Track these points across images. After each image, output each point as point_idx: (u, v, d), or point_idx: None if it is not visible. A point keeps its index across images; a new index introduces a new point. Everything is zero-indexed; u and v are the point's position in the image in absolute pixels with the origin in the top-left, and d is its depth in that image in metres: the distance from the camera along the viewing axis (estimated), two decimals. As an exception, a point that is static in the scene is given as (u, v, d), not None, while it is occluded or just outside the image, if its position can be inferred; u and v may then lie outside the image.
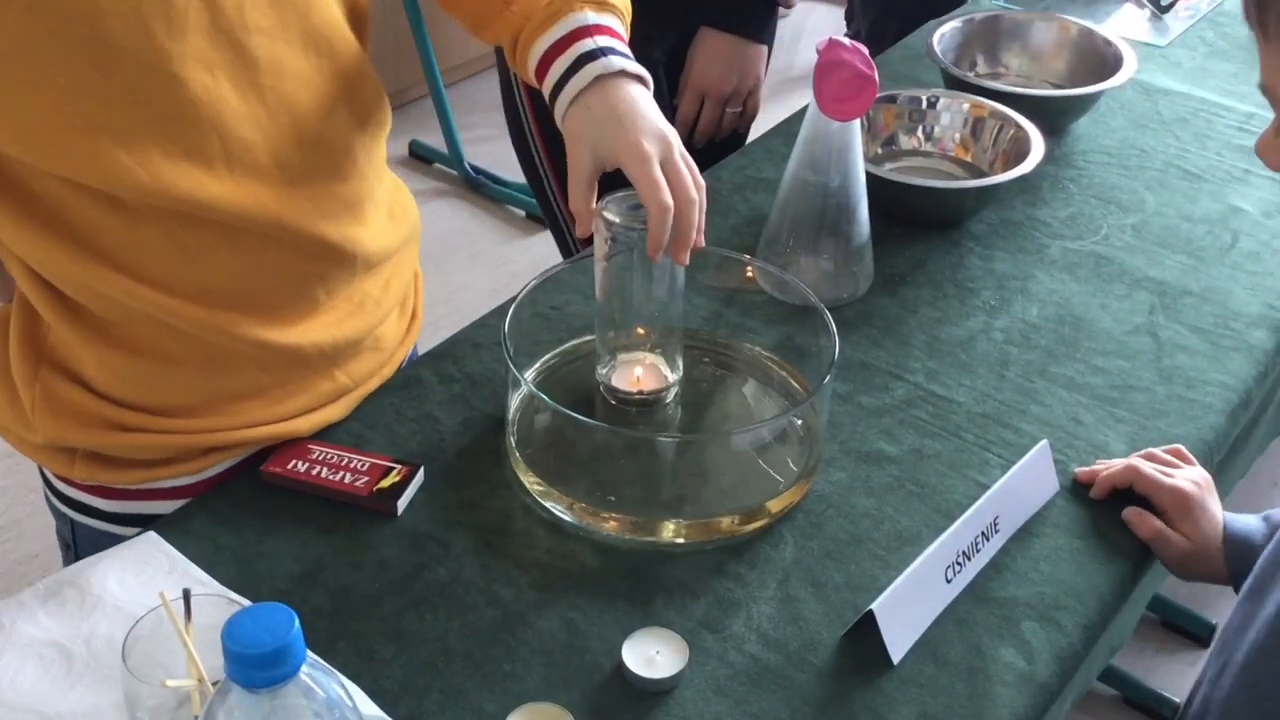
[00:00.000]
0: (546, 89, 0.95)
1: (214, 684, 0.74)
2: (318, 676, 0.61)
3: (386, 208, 1.04)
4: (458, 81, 3.39)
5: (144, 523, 0.98)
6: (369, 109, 1.00)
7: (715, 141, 1.60)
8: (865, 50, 1.13)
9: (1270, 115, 0.84)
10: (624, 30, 0.97)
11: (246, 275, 0.93)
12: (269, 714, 0.61)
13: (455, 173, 3.12)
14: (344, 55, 0.95)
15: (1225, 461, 1.23)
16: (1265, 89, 0.82)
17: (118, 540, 0.95)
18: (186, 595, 0.78)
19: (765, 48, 1.56)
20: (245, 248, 0.92)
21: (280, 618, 0.58)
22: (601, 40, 0.93)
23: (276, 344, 0.96)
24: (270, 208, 0.91)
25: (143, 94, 0.83)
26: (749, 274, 1.18)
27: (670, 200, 0.91)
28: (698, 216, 0.94)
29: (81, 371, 0.95)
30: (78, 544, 1.05)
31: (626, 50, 0.95)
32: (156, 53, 0.82)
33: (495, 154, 2.96)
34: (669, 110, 1.60)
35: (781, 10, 1.67)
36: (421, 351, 1.16)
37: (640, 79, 0.94)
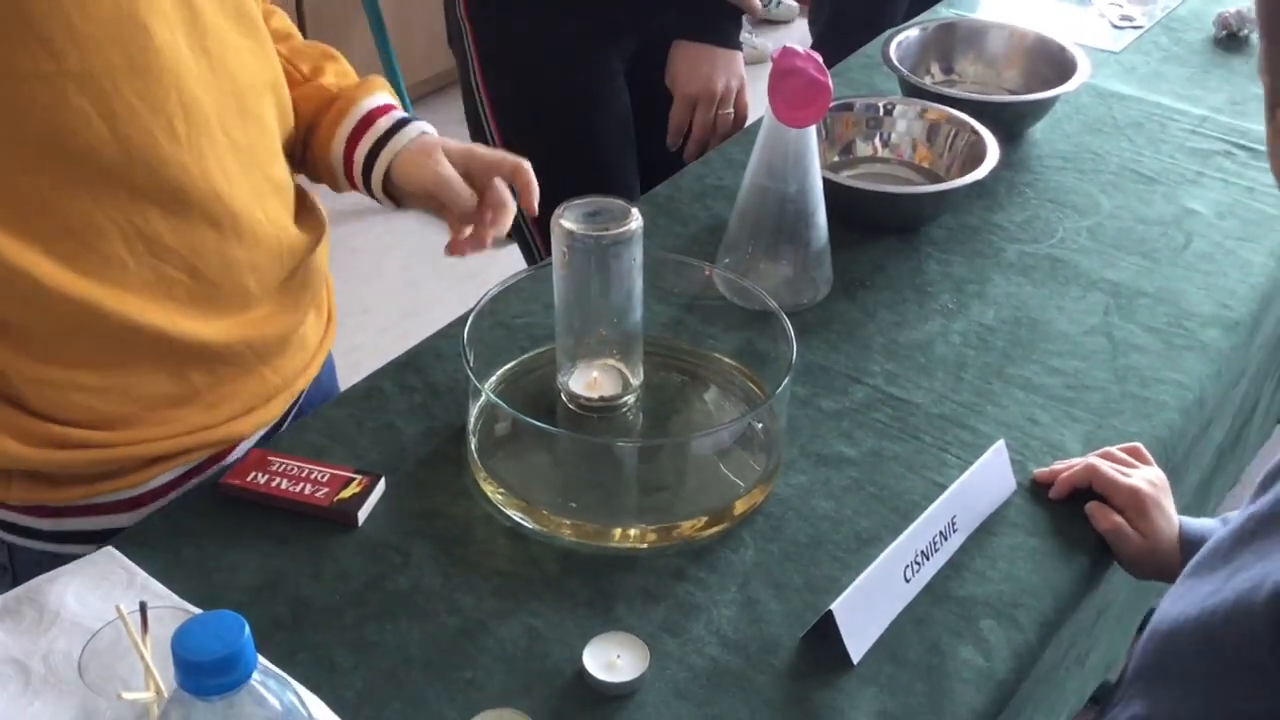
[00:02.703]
0: (360, 156, 1.06)
1: (171, 696, 0.74)
2: (270, 684, 0.61)
3: (303, 209, 1.06)
4: (423, 96, 3.40)
5: (86, 539, 0.97)
6: (285, 106, 1.02)
7: (706, 150, 1.61)
8: (819, 57, 1.14)
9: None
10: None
11: (189, 256, 0.92)
12: (223, 723, 0.61)
13: (423, 187, 3.12)
14: (267, 44, 0.98)
15: (1218, 467, 1.25)
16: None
17: (60, 560, 0.94)
18: (143, 608, 0.77)
19: (739, 52, 1.57)
20: (187, 228, 0.91)
21: (230, 624, 0.58)
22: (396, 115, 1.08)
23: (206, 340, 0.95)
24: (215, 178, 0.91)
25: (117, 40, 0.83)
26: (709, 280, 1.19)
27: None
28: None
29: (17, 392, 0.92)
30: (16, 568, 1.02)
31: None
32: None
33: (462, 167, 2.96)
34: (636, 119, 1.61)
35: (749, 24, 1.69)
36: (386, 361, 1.16)
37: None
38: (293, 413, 1.11)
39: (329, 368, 1.18)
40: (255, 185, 0.96)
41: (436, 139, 1.07)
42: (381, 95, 1.08)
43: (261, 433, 1.06)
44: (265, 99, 0.98)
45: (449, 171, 1.04)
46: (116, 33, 0.83)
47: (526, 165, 1.06)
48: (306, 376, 1.09)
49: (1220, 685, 0.76)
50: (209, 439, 1.00)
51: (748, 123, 1.61)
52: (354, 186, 1.09)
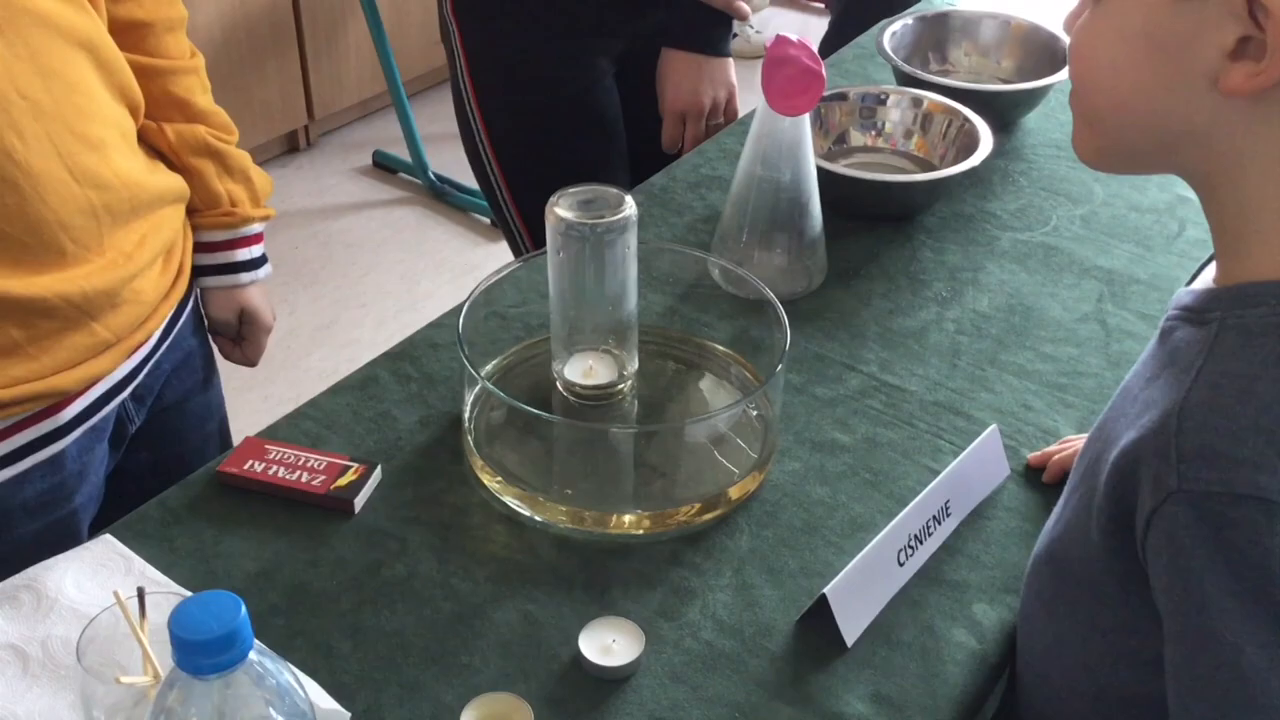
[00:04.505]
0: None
1: (169, 680, 0.74)
2: (267, 664, 0.62)
3: (143, 162, 1.07)
4: (420, 91, 3.40)
5: None
6: (109, 62, 1.02)
7: None
8: (812, 46, 1.15)
9: None
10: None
11: None
12: (219, 704, 0.61)
13: (419, 181, 3.12)
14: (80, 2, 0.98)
15: None
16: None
17: None
18: (141, 593, 0.78)
19: (729, 59, 1.57)
20: None
21: (227, 604, 0.58)
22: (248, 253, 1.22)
23: (18, 295, 0.95)
24: (7, 138, 0.91)
25: None
26: (704, 269, 1.19)
27: None
28: None
29: None
30: None
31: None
32: None
33: (459, 162, 2.96)
34: (629, 119, 1.61)
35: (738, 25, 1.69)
36: (380, 352, 1.16)
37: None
38: (145, 367, 1.11)
39: (186, 323, 1.18)
40: (62, 145, 0.95)
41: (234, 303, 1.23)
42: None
43: (101, 387, 1.05)
44: (76, 57, 0.97)
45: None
46: None
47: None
48: (145, 330, 1.08)
49: (1073, 606, 0.79)
50: (33, 390, 0.99)
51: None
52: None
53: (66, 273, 0.98)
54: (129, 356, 1.07)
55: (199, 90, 1.16)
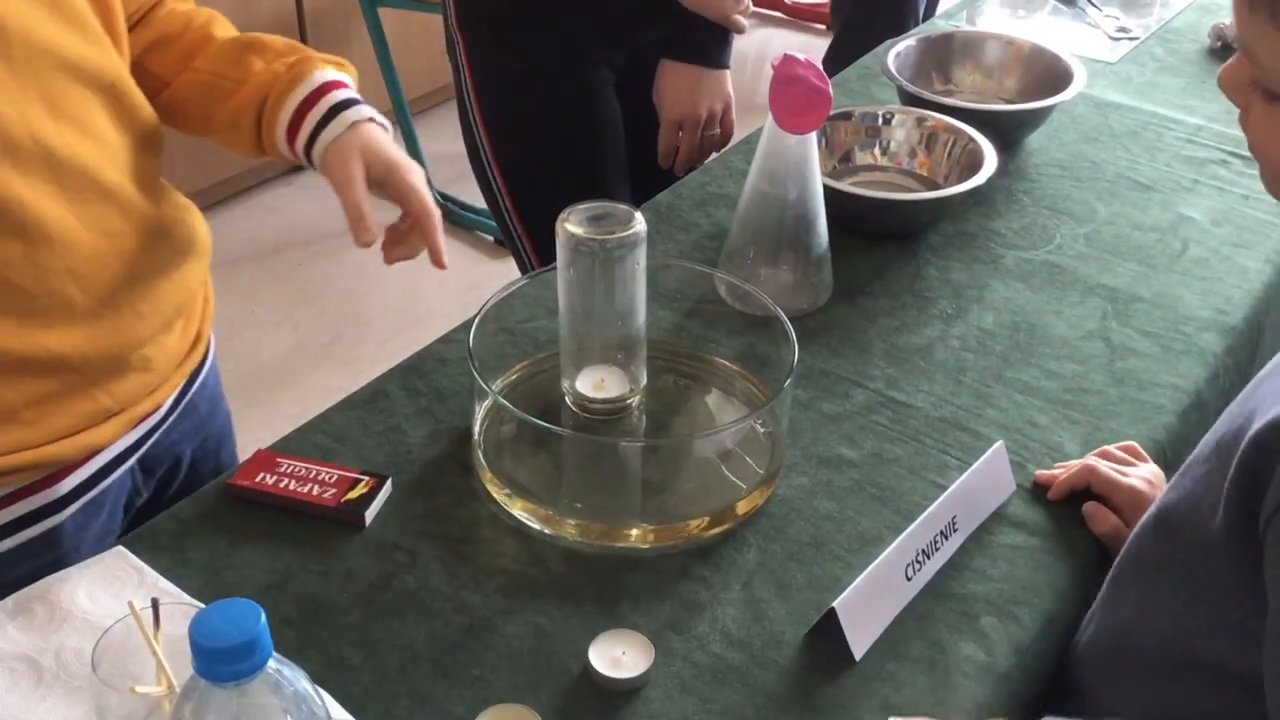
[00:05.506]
0: (302, 138, 1.01)
1: (183, 689, 0.74)
2: (285, 672, 0.62)
3: (159, 221, 1.00)
4: (424, 110, 3.42)
5: None
6: (130, 108, 0.97)
7: (694, 167, 1.63)
8: (819, 65, 1.16)
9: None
10: (355, 85, 1.06)
11: None
12: (238, 712, 0.62)
13: (423, 200, 3.13)
14: (100, 43, 0.93)
15: None
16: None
17: None
18: (155, 604, 0.78)
19: (726, 71, 1.59)
20: None
21: (246, 612, 0.59)
22: (344, 94, 1.03)
23: (19, 354, 0.91)
24: (15, 186, 0.87)
25: None
26: (711, 286, 1.20)
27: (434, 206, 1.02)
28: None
29: None
30: None
31: (364, 101, 1.05)
32: None
33: (463, 180, 2.97)
34: (627, 129, 1.63)
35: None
36: (389, 367, 1.17)
37: (382, 125, 1.05)
38: (152, 437, 1.06)
39: (208, 392, 1.13)
40: (75, 192, 0.91)
41: (364, 138, 1.01)
42: (328, 71, 1.04)
43: (103, 458, 1.01)
44: (90, 102, 0.93)
45: (355, 199, 0.99)
46: None
47: (435, 217, 1.03)
48: (153, 400, 1.03)
49: (1179, 574, 0.80)
50: (26, 461, 0.94)
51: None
52: (293, 156, 1.04)
53: (72, 330, 0.94)
54: (134, 426, 1.02)
55: (221, 28, 1.07)
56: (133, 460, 1.05)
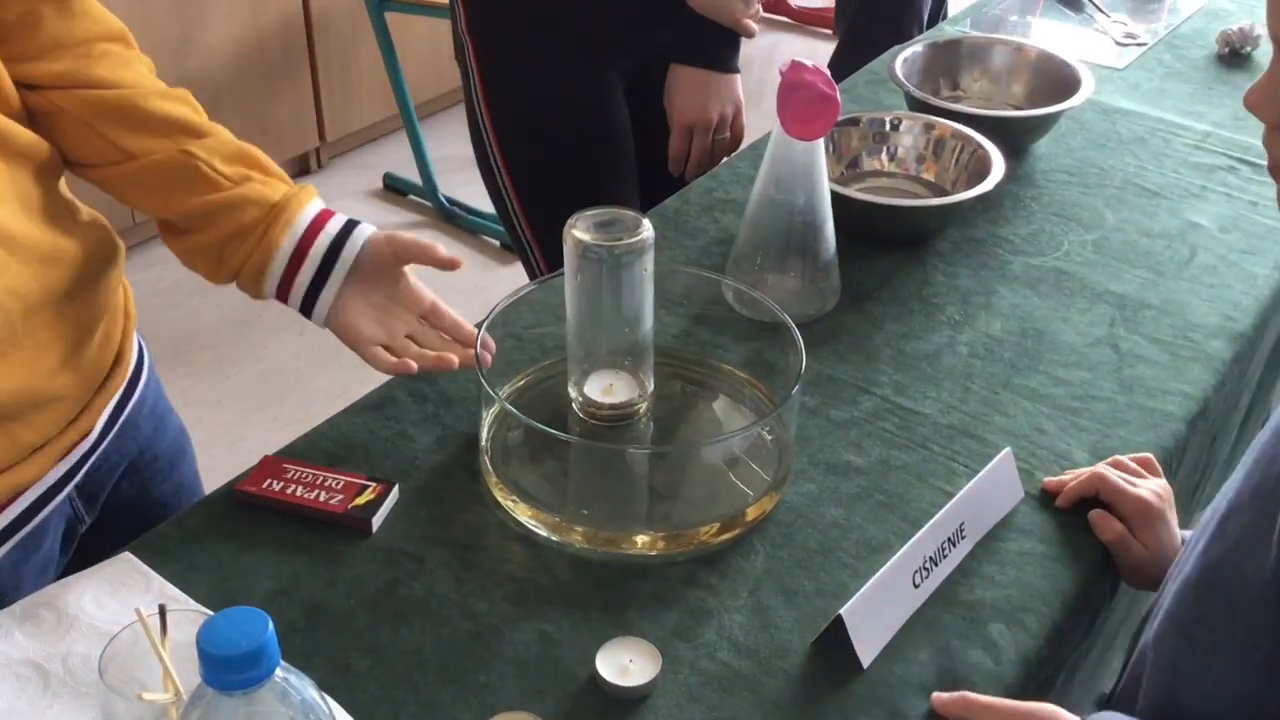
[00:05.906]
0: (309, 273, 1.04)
1: (190, 696, 0.74)
2: (293, 680, 0.62)
3: (53, 249, 0.93)
4: (431, 114, 3.42)
5: None
6: (17, 146, 0.92)
7: (704, 172, 1.63)
8: (827, 72, 1.16)
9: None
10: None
11: None
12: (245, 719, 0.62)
13: (430, 204, 3.14)
14: None
15: (1221, 480, 1.24)
16: None
17: None
18: (162, 610, 0.78)
19: (736, 75, 1.59)
20: None
21: (254, 620, 0.59)
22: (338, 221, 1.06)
23: None
24: None
25: None
26: (718, 292, 1.20)
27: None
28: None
29: None
30: None
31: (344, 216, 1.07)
32: None
33: (469, 185, 2.98)
34: (635, 134, 1.63)
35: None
36: (393, 379, 1.16)
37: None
38: (84, 465, 1.01)
39: (147, 409, 1.09)
40: None
41: (348, 292, 1.05)
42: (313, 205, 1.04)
43: (31, 495, 0.96)
44: None
45: (368, 342, 1.06)
46: None
47: (429, 248, 1.06)
48: (78, 429, 0.98)
49: (1233, 631, 0.76)
50: None
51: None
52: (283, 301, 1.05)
53: None
54: (63, 458, 0.97)
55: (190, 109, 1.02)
56: (68, 490, 1.00)
